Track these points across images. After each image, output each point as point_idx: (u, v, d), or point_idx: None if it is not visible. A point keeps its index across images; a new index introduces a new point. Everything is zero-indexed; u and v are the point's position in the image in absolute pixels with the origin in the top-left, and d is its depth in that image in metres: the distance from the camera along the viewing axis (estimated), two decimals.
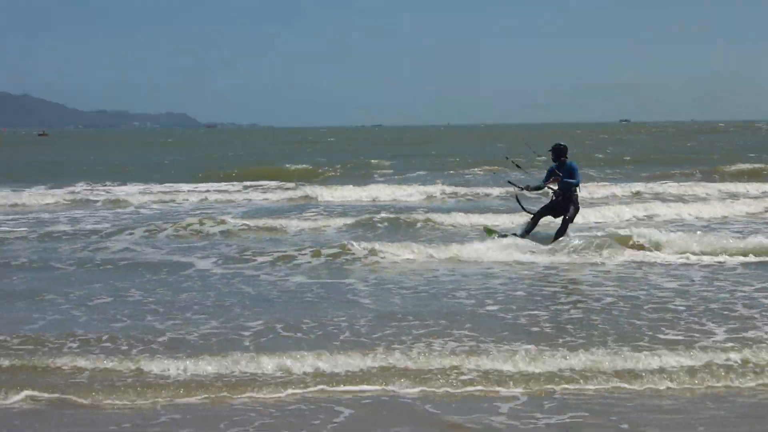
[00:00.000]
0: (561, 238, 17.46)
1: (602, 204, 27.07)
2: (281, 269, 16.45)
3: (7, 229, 23.40)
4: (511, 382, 9.44)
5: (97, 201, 30.94)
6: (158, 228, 21.76)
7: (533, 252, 17.08)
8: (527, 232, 17.87)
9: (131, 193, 33.67)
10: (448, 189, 32.80)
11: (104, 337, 11.35)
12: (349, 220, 23.22)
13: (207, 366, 9.91)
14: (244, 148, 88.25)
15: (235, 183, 37.92)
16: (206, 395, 9.21)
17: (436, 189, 32.55)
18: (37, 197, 31.72)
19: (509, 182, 18.99)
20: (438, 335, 11.33)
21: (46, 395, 9.11)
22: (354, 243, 17.93)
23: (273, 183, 37.63)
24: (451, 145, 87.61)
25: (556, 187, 17.80)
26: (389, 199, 30.84)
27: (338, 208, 27.60)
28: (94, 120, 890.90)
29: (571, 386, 9.35)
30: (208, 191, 34.36)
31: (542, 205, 18.23)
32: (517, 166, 19.08)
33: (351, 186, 33.30)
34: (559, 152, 17.62)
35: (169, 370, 9.83)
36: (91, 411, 8.85)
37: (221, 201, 31.10)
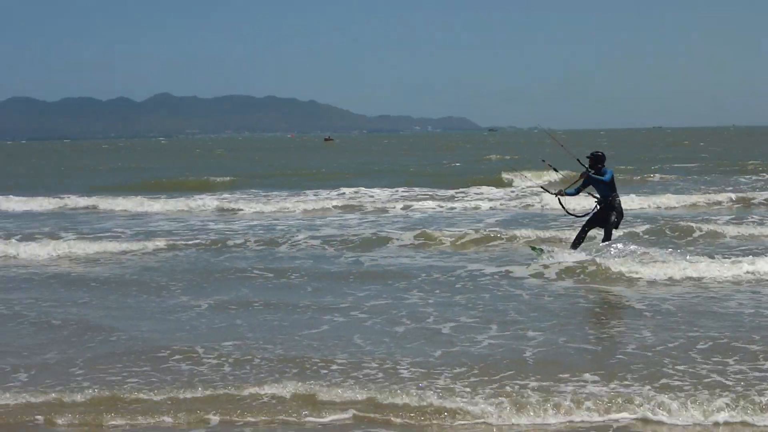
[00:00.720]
0: (606, 243, 17.23)
1: None
2: (548, 275, 15.94)
3: (281, 230, 24.29)
4: None
5: (365, 206, 31.24)
6: (425, 234, 21.49)
7: None
8: (576, 246, 17.54)
9: (398, 198, 34.12)
10: (731, 196, 30.37)
11: (383, 353, 11.13)
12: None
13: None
14: (520, 151, 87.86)
15: (493, 188, 37.46)
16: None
17: (722, 197, 30.27)
18: (311, 202, 32.50)
19: (542, 188, 19.40)
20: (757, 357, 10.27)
21: (371, 415, 8.75)
22: (617, 248, 17.09)
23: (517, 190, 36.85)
24: (736, 149, 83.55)
25: (597, 196, 17.48)
26: (654, 207, 29.22)
27: None
28: (378, 125, 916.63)
29: None
30: (473, 195, 34.53)
31: (586, 219, 17.62)
32: (554, 169, 18.94)
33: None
34: (597, 160, 17.25)
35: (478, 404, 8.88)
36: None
37: (476, 207, 30.61)
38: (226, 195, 37.51)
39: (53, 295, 15.25)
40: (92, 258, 19.56)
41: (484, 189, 37.31)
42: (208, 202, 32.88)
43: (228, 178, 48.47)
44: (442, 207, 30.62)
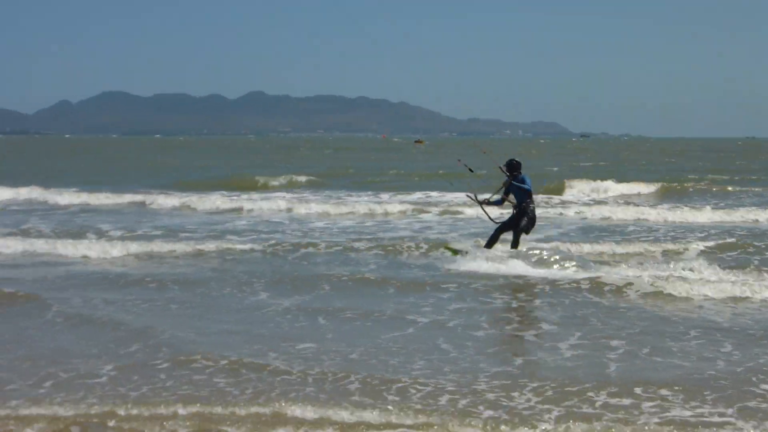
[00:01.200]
0: (515, 249, 17.86)
1: None
2: (626, 283, 15.32)
3: (357, 231, 24.39)
4: None
5: (441, 209, 30.70)
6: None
7: None
8: (489, 246, 18.27)
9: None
10: None
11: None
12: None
13: None
14: (608, 158, 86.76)
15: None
16: None
17: None
18: (387, 204, 32.06)
19: (468, 196, 19.50)
20: None
21: None
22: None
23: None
24: None
25: (513, 201, 18.18)
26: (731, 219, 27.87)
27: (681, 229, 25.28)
28: (468, 127, 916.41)
29: None
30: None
31: (501, 222, 18.49)
32: (470, 170, 19.13)
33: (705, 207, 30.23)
34: (512, 167, 18.04)
35: None
36: None
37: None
38: (305, 194, 37.97)
39: (131, 293, 15.13)
40: (167, 256, 19.50)
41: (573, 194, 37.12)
42: (284, 202, 32.52)
43: (310, 178, 48.42)
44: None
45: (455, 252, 18.63)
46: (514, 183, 17.83)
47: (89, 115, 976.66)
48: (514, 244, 18.02)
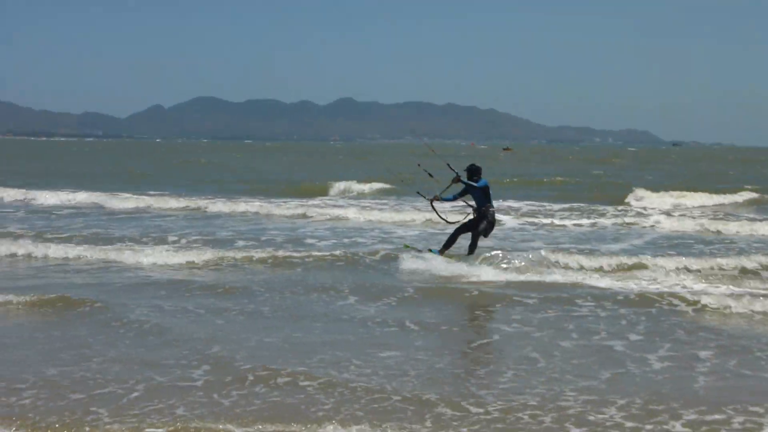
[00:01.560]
0: (473, 253, 18.35)
1: None
2: (708, 292, 15.31)
3: (434, 242, 23.75)
4: None
5: (512, 215, 30.60)
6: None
7: None
8: (445, 248, 18.76)
9: (533, 211, 33.02)
10: None
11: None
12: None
13: None
14: (694, 167, 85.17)
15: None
16: None
17: None
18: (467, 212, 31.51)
19: (418, 193, 20.22)
20: None
21: None
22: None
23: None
24: None
25: (473, 204, 18.73)
26: None
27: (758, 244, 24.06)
28: (558, 135, 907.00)
29: None
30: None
31: (461, 224, 18.98)
32: (429, 174, 19.31)
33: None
34: (473, 172, 18.67)
35: None
36: None
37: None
38: (386, 200, 37.90)
39: (215, 299, 14.99)
40: (249, 262, 19.19)
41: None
42: (362, 209, 32.28)
43: (391, 185, 47.22)
44: (580, 223, 28.91)
45: (409, 249, 19.24)
46: (462, 181, 18.49)
47: (181, 120, 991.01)
48: (472, 247, 18.54)
